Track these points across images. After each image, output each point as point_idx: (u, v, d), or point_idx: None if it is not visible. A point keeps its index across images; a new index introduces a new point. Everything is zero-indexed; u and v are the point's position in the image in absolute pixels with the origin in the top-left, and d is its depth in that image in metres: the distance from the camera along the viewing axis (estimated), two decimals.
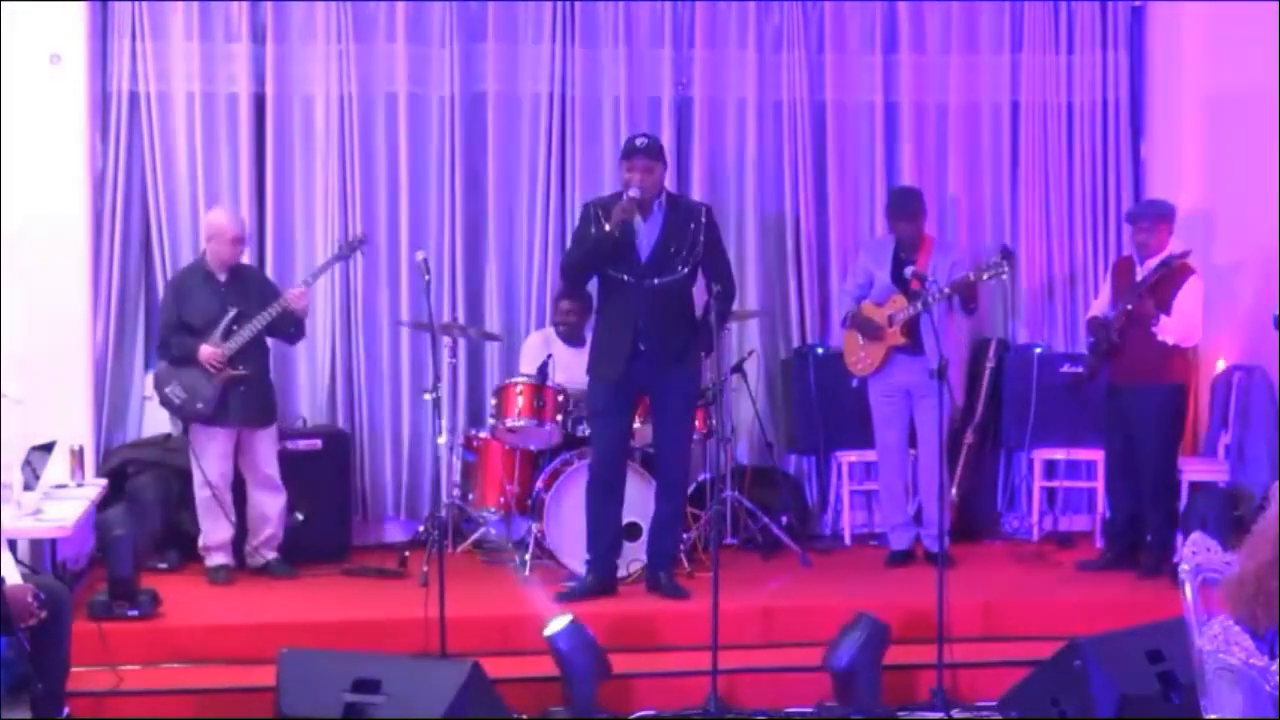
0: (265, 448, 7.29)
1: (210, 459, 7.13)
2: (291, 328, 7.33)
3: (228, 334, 7.08)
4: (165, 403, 7.20)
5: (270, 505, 7.30)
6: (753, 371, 8.13)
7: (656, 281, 6.70)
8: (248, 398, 7.16)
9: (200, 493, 7.16)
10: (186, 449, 7.67)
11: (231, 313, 7.11)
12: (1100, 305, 7.62)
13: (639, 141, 6.77)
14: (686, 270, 6.76)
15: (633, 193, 6.62)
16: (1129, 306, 7.22)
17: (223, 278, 7.21)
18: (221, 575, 7.15)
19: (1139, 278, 7.28)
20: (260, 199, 8.09)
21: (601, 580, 6.81)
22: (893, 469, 7.67)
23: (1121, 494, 7.49)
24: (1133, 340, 7.25)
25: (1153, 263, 7.27)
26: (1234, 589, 3.84)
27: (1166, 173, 8.58)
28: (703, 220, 6.84)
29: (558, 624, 5.83)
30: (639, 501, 7.01)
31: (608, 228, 6.63)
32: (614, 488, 6.86)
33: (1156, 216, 7.37)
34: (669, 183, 8.29)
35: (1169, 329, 7.18)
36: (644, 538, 7.03)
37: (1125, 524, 7.47)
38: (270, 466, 7.29)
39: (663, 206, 6.78)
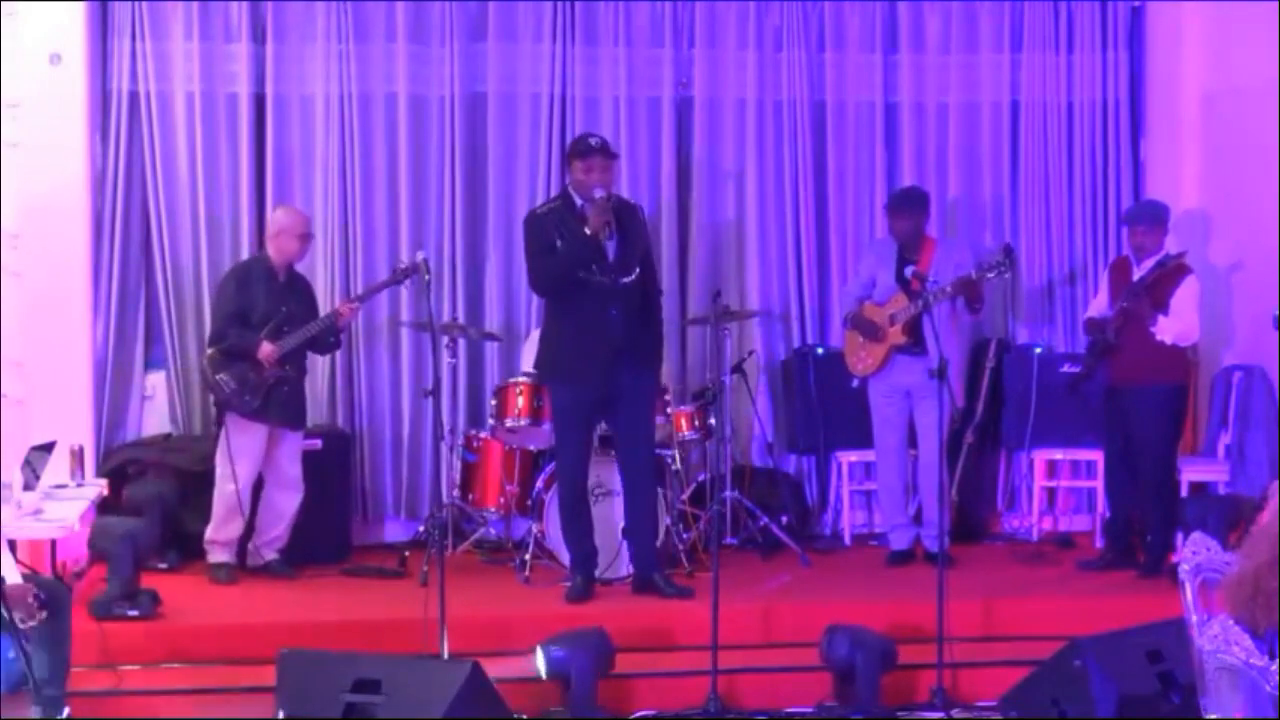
0: (293, 448, 7.34)
1: (244, 455, 7.13)
2: (332, 337, 7.41)
3: (277, 334, 7.11)
4: (214, 389, 7.20)
5: (288, 504, 7.32)
6: (753, 371, 8.14)
7: (626, 280, 6.71)
8: (289, 398, 7.22)
9: (224, 486, 7.15)
10: (188, 449, 7.72)
11: (283, 313, 7.15)
12: (1098, 305, 7.62)
13: (594, 141, 6.80)
14: (639, 268, 6.79)
15: (599, 192, 6.64)
16: (1125, 306, 7.22)
17: (282, 278, 7.26)
18: (224, 574, 7.14)
19: (1135, 278, 7.29)
20: (260, 199, 8.09)
21: (589, 581, 6.84)
22: (892, 469, 7.67)
23: (1121, 494, 7.49)
24: (1130, 340, 7.25)
25: (1149, 263, 7.27)
26: (1233, 589, 3.84)
27: (1166, 172, 8.58)
28: (642, 219, 6.95)
29: (540, 660, 5.84)
30: None
31: (588, 231, 6.64)
32: (583, 487, 6.90)
33: (1152, 218, 7.37)
34: (670, 182, 8.37)
35: (1166, 328, 7.19)
36: None
37: (1125, 524, 7.47)
38: (295, 467, 7.33)
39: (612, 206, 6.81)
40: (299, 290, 7.41)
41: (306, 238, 7.38)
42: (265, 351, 7.07)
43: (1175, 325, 7.20)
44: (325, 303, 7.69)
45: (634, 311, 6.75)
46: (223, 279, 7.48)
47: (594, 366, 6.71)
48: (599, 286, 6.68)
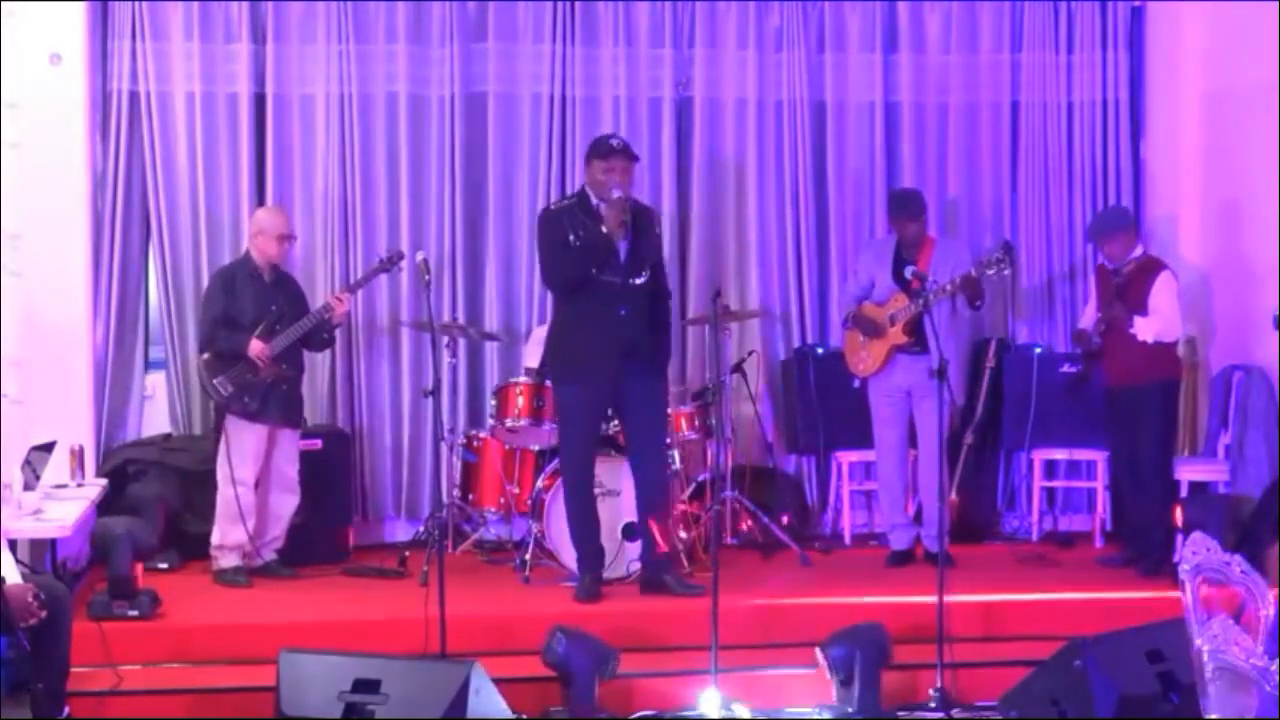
0: (291, 449, 7.33)
1: (244, 457, 7.11)
2: (326, 333, 7.38)
3: (270, 333, 7.09)
4: (212, 393, 7.16)
5: (286, 506, 7.32)
6: (753, 371, 8.13)
7: (636, 281, 6.73)
8: (288, 397, 7.21)
9: (225, 490, 7.12)
10: (188, 449, 7.73)
11: (273, 312, 7.13)
12: (1090, 310, 7.67)
13: (615, 142, 6.82)
14: (650, 270, 6.81)
15: (617, 193, 6.65)
16: (1101, 317, 7.28)
17: (267, 278, 7.23)
18: (243, 578, 7.11)
19: (1113, 282, 7.33)
20: (260, 199, 8.08)
21: (598, 579, 6.84)
22: (892, 469, 7.67)
23: (1129, 494, 7.49)
24: (1117, 344, 7.30)
25: (1125, 268, 7.31)
26: None
27: (1166, 172, 8.59)
28: (659, 223, 6.94)
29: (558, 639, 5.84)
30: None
31: (605, 230, 6.64)
32: (590, 486, 6.91)
33: (1114, 226, 7.42)
34: (670, 182, 8.38)
35: (1145, 328, 7.22)
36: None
37: (1139, 522, 7.45)
38: (293, 468, 7.33)
39: (630, 208, 6.81)
40: (287, 289, 7.37)
41: (287, 238, 7.34)
42: (256, 349, 7.03)
43: (1154, 324, 7.23)
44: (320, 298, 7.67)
45: (643, 313, 6.77)
46: (209, 283, 7.43)
47: (602, 365, 6.72)
48: (610, 286, 6.70)
